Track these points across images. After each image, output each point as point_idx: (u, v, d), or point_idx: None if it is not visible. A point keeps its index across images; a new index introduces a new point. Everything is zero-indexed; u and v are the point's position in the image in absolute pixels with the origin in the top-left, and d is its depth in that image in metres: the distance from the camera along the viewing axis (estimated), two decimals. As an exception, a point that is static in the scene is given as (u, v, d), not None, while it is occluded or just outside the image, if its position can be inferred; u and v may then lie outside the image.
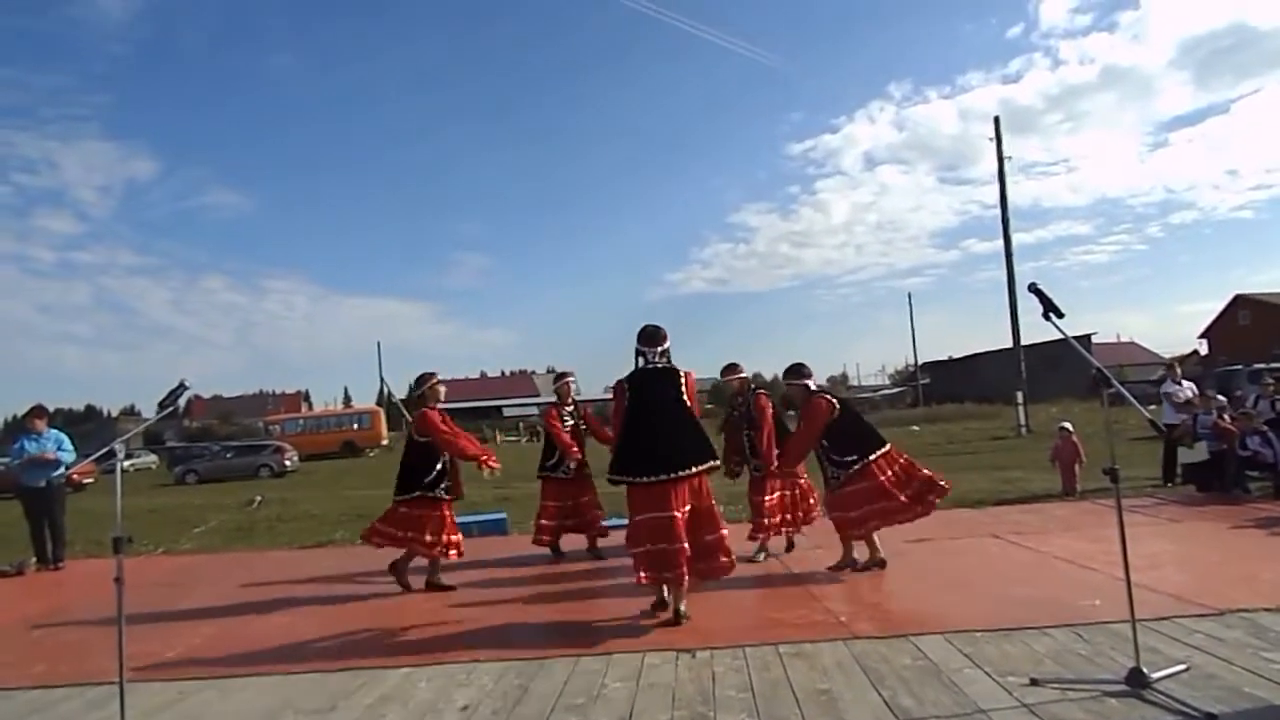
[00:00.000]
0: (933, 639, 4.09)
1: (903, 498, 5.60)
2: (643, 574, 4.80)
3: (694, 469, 4.83)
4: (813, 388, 5.94)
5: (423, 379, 6.21)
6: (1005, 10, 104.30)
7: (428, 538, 5.94)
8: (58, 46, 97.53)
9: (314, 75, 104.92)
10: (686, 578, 4.77)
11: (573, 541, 7.15)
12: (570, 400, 7.14)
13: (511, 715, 3.45)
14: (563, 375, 7.30)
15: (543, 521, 6.94)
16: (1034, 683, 3.38)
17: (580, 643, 4.42)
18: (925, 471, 5.76)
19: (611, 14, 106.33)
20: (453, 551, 6.07)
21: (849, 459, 5.69)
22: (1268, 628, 3.96)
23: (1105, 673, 3.44)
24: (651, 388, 5.04)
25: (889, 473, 5.68)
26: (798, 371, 6.01)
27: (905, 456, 5.87)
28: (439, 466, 6.00)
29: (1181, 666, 3.39)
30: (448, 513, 6.09)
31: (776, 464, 6.07)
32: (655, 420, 4.95)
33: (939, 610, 4.68)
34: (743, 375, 6.65)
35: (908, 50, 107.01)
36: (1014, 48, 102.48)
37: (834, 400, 5.83)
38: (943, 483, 5.71)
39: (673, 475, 4.77)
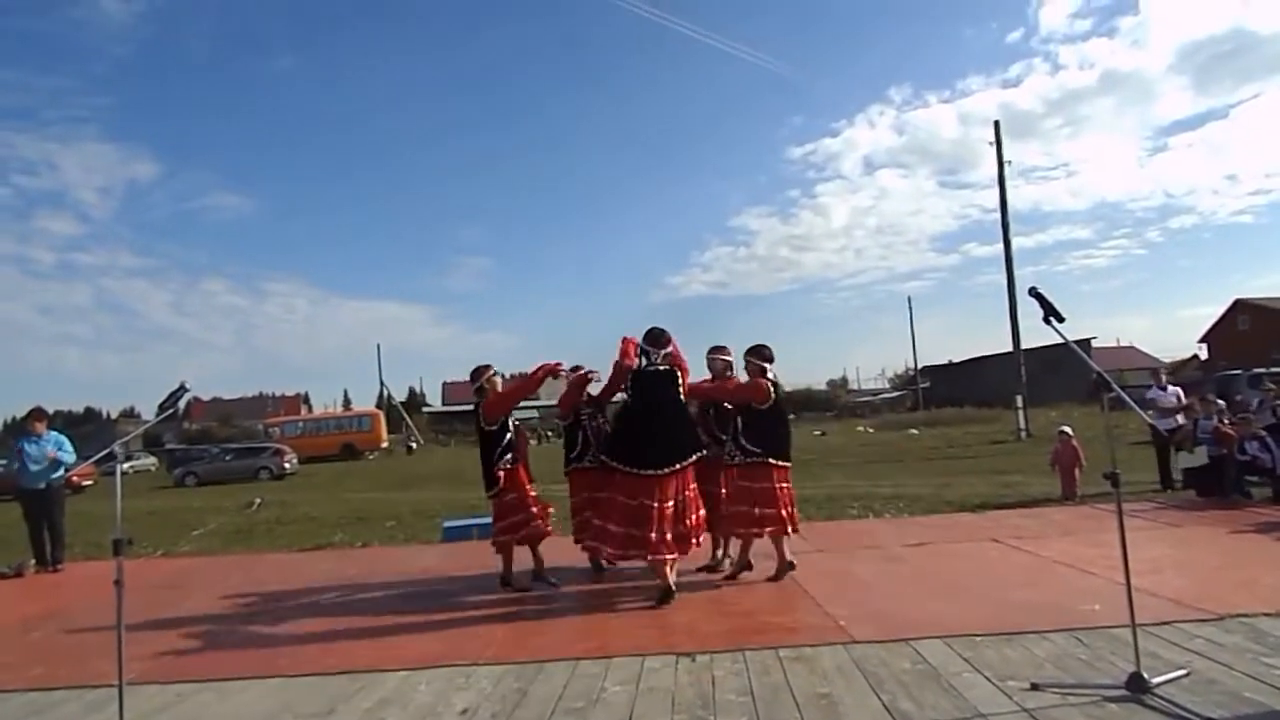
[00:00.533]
0: (932, 643, 4.09)
1: (756, 511, 5.68)
2: (609, 550, 5.38)
3: (681, 464, 5.35)
4: (768, 374, 5.89)
5: (479, 372, 6.20)
6: (1005, 15, 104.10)
7: (534, 510, 6.07)
8: (60, 48, 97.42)
9: (316, 80, 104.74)
10: (660, 558, 5.26)
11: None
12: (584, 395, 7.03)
13: (510, 719, 3.44)
14: (577, 370, 7.13)
15: (585, 517, 6.20)
16: (1034, 687, 3.38)
17: (579, 646, 4.41)
18: (794, 510, 5.94)
19: (616, 22, 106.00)
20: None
21: (754, 450, 5.73)
22: (1268, 633, 3.96)
23: (1105, 678, 3.44)
24: (653, 388, 5.48)
25: (775, 485, 5.75)
26: (759, 352, 5.93)
27: (790, 487, 5.94)
28: (505, 441, 6.03)
29: (1182, 671, 3.40)
30: (524, 475, 6.18)
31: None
32: (655, 419, 5.41)
33: (938, 614, 4.67)
34: (727, 358, 6.35)
35: (908, 54, 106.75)
36: (1014, 52, 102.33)
37: (774, 392, 5.85)
38: (793, 528, 5.90)
39: (664, 470, 5.28)
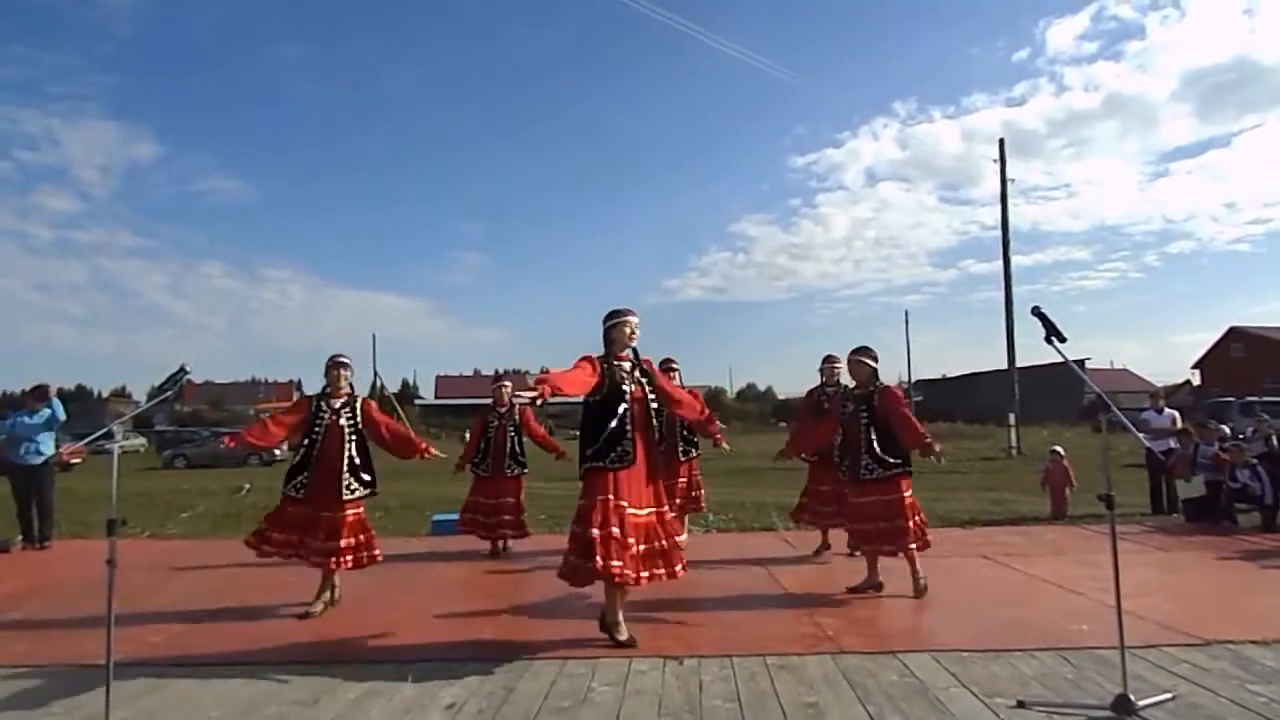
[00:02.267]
0: (920, 656, 4.09)
1: (910, 523, 5.41)
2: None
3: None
4: (878, 376, 5.62)
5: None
6: (1013, 34, 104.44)
7: (315, 543, 5.27)
8: (67, 24, 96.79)
9: (323, 70, 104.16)
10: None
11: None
12: (504, 404, 7.54)
13: (497, 715, 3.43)
14: (498, 379, 7.83)
15: (465, 515, 7.49)
16: (1020, 705, 3.38)
17: (567, 646, 4.41)
18: (922, 517, 5.61)
19: (631, 29, 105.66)
20: (347, 558, 5.26)
21: (893, 460, 5.41)
22: (1254, 660, 3.98)
23: (1091, 698, 3.45)
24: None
25: (908, 494, 5.50)
26: (866, 350, 5.64)
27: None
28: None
29: (1167, 695, 3.41)
30: (349, 514, 5.41)
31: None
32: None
33: (927, 628, 4.68)
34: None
35: (914, 69, 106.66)
36: (1020, 71, 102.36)
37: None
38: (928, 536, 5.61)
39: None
